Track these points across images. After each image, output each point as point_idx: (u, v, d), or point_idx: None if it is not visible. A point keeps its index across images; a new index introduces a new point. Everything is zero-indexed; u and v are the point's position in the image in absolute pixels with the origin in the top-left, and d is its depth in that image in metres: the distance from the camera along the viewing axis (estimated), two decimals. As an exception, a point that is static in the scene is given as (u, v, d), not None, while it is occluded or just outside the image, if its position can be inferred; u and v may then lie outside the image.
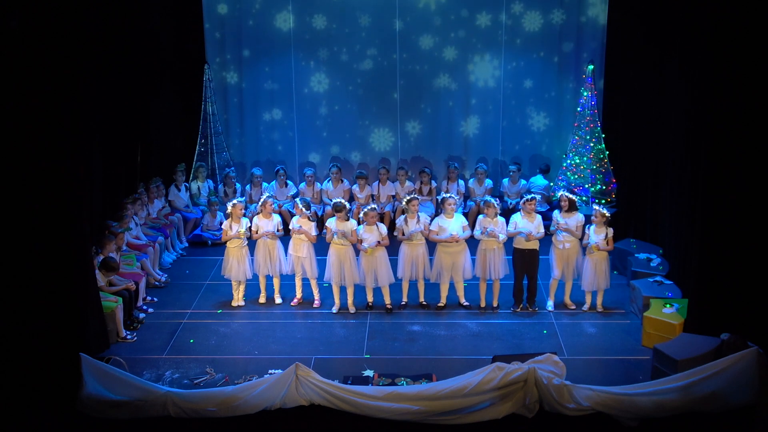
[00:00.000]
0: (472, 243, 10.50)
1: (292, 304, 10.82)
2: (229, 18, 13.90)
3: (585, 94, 13.10)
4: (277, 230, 10.72)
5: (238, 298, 10.88)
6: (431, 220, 10.54)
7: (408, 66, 13.89)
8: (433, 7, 13.65)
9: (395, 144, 14.24)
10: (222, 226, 11.06)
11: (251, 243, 10.80)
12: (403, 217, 10.55)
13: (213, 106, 13.88)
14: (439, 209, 13.17)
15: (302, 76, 14.02)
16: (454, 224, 10.34)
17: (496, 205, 10.33)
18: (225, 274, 10.79)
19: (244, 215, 10.96)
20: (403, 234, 10.40)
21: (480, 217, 10.51)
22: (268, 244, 10.69)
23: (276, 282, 10.88)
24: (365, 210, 10.39)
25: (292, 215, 13.16)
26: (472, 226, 10.77)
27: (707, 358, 8.24)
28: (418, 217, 10.42)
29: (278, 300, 10.90)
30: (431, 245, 10.54)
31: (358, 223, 10.58)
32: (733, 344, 8.13)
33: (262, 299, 10.94)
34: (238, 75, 14.14)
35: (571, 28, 13.60)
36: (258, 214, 10.86)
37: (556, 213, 10.52)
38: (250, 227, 10.72)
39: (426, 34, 13.75)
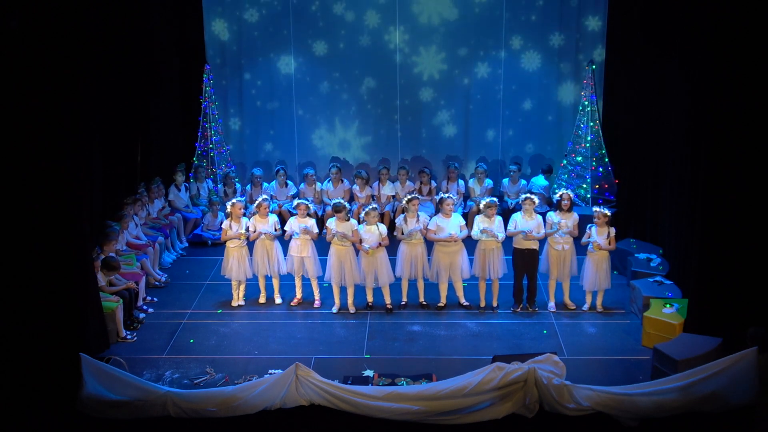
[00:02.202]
0: (470, 243, 10.49)
1: (291, 304, 10.82)
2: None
3: (585, 94, 13.09)
4: (275, 230, 10.71)
5: (238, 298, 10.87)
6: (430, 220, 10.55)
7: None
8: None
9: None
10: (222, 226, 11.06)
11: (250, 243, 10.79)
12: (402, 216, 10.56)
13: (213, 106, 13.87)
14: (438, 209, 13.21)
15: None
16: (451, 224, 10.35)
17: (495, 205, 10.34)
18: (225, 273, 10.78)
19: (244, 215, 10.95)
20: (402, 233, 10.41)
21: (477, 216, 10.51)
22: (265, 245, 10.68)
23: (276, 282, 10.87)
24: (366, 210, 10.41)
25: (292, 215, 13.17)
26: (472, 226, 10.77)
27: (707, 358, 8.24)
28: (418, 216, 10.42)
29: (278, 300, 10.89)
30: (429, 245, 10.55)
31: (359, 223, 10.59)
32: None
33: (262, 299, 10.93)
34: (239, 80, 14.17)
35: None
36: (254, 215, 10.86)
37: (551, 214, 10.48)
38: (248, 227, 10.71)
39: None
